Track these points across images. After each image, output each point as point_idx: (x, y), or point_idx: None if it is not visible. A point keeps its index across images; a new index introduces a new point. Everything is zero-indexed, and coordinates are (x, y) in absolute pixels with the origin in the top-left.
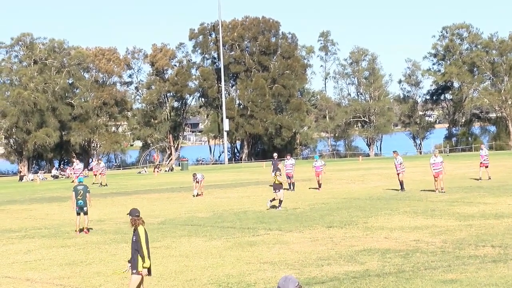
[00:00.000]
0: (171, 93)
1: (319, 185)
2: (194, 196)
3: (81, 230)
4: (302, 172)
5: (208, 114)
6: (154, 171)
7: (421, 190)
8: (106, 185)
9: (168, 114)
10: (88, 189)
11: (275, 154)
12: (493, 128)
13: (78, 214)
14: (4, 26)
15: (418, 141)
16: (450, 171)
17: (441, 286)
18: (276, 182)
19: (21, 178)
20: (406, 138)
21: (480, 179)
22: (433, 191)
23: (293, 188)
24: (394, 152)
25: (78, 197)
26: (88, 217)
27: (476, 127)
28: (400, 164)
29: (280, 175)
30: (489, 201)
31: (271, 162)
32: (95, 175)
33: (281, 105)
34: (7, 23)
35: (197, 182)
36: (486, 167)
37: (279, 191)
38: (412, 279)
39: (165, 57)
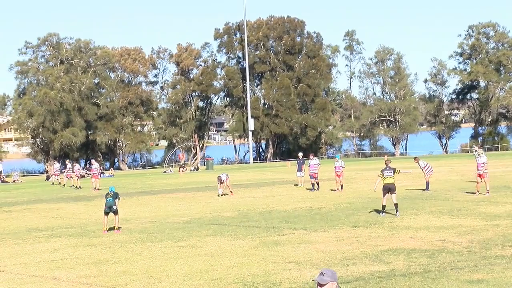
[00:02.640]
0: (196, 93)
1: (341, 186)
2: (219, 195)
3: (110, 229)
4: (327, 172)
5: (233, 114)
6: (179, 171)
7: (464, 192)
8: (79, 187)
9: (194, 114)
10: (118, 196)
11: (300, 154)
12: None
13: (106, 213)
14: (31, 26)
15: (444, 141)
16: (475, 171)
17: (467, 286)
18: (389, 182)
19: (47, 178)
20: (432, 138)
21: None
22: (473, 193)
23: (318, 187)
24: (414, 159)
25: (108, 196)
26: (118, 216)
27: (502, 126)
28: (426, 166)
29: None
30: None
31: (296, 161)
32: (68, 178)
33: (306, 104)
34: (34, 23)
35: (221, 182)
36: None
37: (394, 192)
38: (438, 279)
39: (190, 56)
